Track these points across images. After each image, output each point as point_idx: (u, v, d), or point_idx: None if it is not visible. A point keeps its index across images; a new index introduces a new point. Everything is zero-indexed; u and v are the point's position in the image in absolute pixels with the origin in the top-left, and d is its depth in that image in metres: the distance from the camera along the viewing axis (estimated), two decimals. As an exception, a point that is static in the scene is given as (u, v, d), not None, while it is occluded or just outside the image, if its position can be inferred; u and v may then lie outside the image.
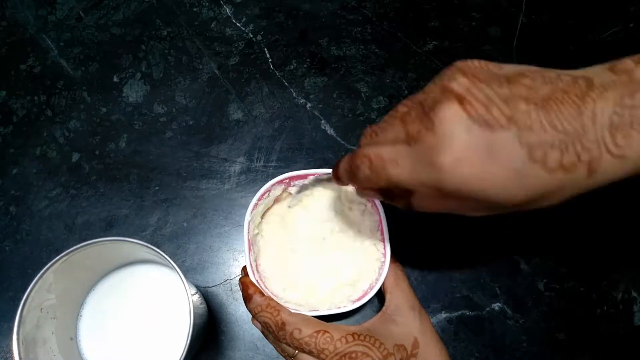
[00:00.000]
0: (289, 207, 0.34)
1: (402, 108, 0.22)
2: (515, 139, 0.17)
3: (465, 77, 0.19)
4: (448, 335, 0.36)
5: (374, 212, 0.32)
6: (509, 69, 0.20)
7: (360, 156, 0.23)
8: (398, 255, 0.39)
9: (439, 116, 0.19)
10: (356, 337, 0.27)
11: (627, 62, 0.18)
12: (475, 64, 0.20)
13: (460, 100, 0.18)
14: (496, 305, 0.37)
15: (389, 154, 0.21)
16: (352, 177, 0.24)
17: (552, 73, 0.19)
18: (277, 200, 0.34)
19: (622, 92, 0.17)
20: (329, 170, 0.32)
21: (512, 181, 0.18)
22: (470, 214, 0.21)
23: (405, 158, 0.20)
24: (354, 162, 0.23)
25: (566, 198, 0.19)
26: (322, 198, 0.34)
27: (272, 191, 0.33)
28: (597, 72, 0.18)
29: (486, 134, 0.18)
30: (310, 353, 0.27)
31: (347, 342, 0.26)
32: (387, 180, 0.21)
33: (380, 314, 0.29)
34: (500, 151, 0.18)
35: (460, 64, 0.20)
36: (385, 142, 0.22)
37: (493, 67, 0.20)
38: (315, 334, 0.27)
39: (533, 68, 0.19)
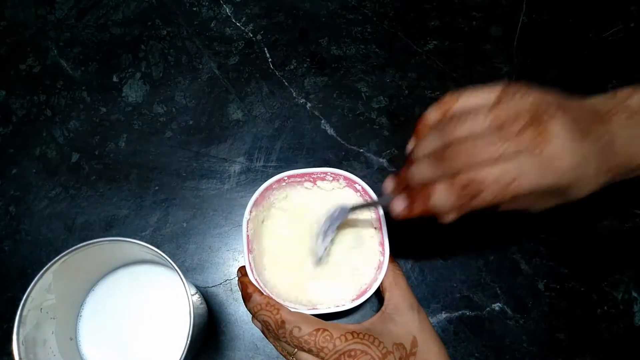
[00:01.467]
0: (288, 208, 0.34)
1: (484, 128, 0.23)
2: (593, 149, 0.22)
3: (543, 98, 0.23)
4: (448, 335, 0.36)
5: (373, 212, 0.32)
6: (552, 98, 0.24)
7: (474, 184, 0.23)
8: (398, 255, 0.39)
9: (553, 123, 0.22)
10: (355, 335, 0.27)
11: (623, 92, 0.24)
12: (535, 91, 0.24)
13: (560, 107, 0.22)
14: (496, 306, 0.37)
15: (507, 171, 0.22)
16: (463, 204, 0.24)
17: (574, 103, 0.24)
18: (277, 200, 0.34)
19: (623, 116, 0.23)
20: (326, 169, 0.32)
21: (589, 180, 0.23)
22: (540, 207, 0.24)
23: (528, 170, 0.22)
24: (467, 191, 0.23)
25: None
26: (320, 198, 0.34)
27: (273, 191, 0.33)
28: (602, 101, 0.24)
29: (580, 143, 0.22)
30: (309, 351, 0.27)
31: (346, 340, 0.26)
32: (513, 195, 0.22)
33: (379, 313, 0.29)
34: (588, 159, 0.22)
35: (521, 88, 0.24)
36: (490, 160, 0.22)
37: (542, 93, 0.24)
38: (314, 332, 0.27)
39: (559, 99, 0.24)
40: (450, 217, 0.25)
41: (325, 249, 0.31)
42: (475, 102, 0.25)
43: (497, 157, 0.22)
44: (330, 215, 0.31)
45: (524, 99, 0.23)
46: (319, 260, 0.32)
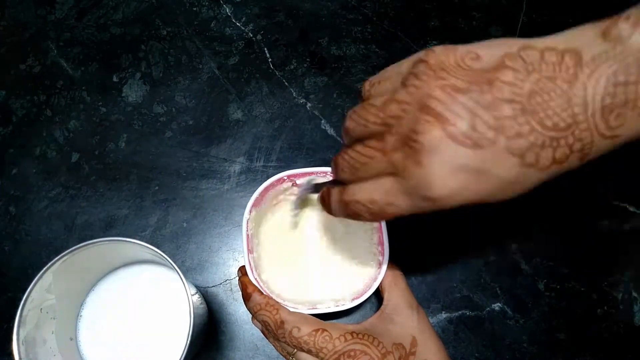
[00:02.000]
0: (289, 207, 0.34)
1: (375, 129, 0.20)
2: (505, 150, 0.17)
3: (442, 89, 0.18)
4: (448, 335, 0.36)
5: None
6: (488, 58, 0.18)
7: (352, 203, 0.22)
8: (397, 255, 0.39)
9: (425, 146, 0.17)
10: (355, 335, 0.27)
11: (623, 26, 0.16)
12: (450, 59, 0.18)
13: (442, 121, 0.17)
14: (496, 306, 0.37)
15: (382, 197, 0.20)
16: (351, 218, 0.23)
17: (535, 53, 0.17)
18: (277, 199, 0.34)
19: (615, 67, 0.16)
20: (326, 169, 0.32)
21: (507, 187, 0.18)
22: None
23: (399, 195, 0.19)
24: (348, 208, 0.22)
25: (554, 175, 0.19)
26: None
27: (273, 191, 0.33)
28: (588, 42, 0.17)
29: (476, 154, 0.17)
30: (309, 352, 0.27)
31: (345, 340, 0.26)
32: (388, 217, 0.21)
33: (378, 313, 0.29)
34: (493, 167, 0.17)
35: (432, 60, 0.19)
36: (369, 178, 0.21)
37: (470, 61, 0.18)
38: (313, 333, 0.27)
39: (513, 50, 0.18)
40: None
41: (295, 215, 0.32)
42: (389, 85, 0.21)
43: (374, 175, 0.20)
44: (299, 190, 0.32)
45: (417, 89, 0.18)
46: (294, 225, 0.33)
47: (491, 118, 0.17)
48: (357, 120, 0.21)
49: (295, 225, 0.33)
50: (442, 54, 0.19)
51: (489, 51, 0.18)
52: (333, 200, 0.23)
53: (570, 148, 0.17)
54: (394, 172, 0.19)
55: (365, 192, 0.21)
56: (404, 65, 0.21)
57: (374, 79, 0.22)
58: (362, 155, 0.21)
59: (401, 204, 0.20)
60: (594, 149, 0.17)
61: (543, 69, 0.17)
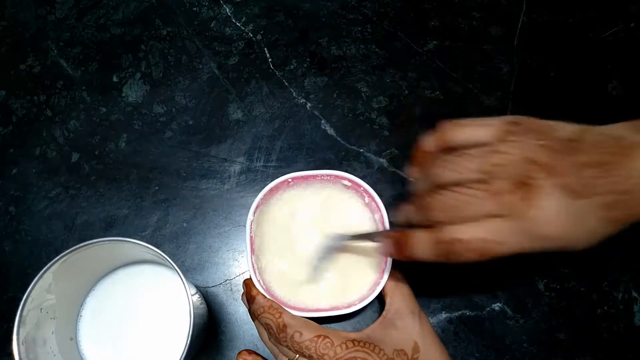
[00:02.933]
0: (290, 210, 0.34)
1: (471, 176, 0.23)
2: (592, 206, 0.20)
3: (541, 147, 0.21)
4: (448, 336, 0.36)
5: (376, 214, 0.32)
6: (563, 133, 0.22)
7: (455, 243, 0.22)
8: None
9: (538, 191, 0.21)
10: (356, 343, 0.27)
11: None
12: (541, 126, 0.22)
13: (553, 173, 0.21)
14: (496, 306, 0.37)
15: (493, 236, 0.22)
16: (442, 259, 0.23)
17: (594, 135, 0.21)
18: (280, 202, 0.34)
19: None
20: (326, 172, 0.32)
21: (589, 236, 0.21)
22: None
23: (511, 235, 0.22)
24: (448, 248, 0.23)
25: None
26: (322, 201, 0.34)
27: (277, 193, 0.33)
28: (625, 132, 0.21)
29: (574, 203, 0.21)
30: (310, 357, 0.27)
31: (347, 348, 0.26)
32: (493, 256, 0.22)
33: (380, 319, 0.29)
34: (584, 217, 0.21)
35: (524, 122, 0.22)
36: (470, 217, 0.22)
37: (549, 129, 0.22)
38: (315, 339, 0.27)
39: (582, 132, 0.22)
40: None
41: (318, 270, 0.32)
42: (472, 136, 0.24)
43: (481, 215, 0.22)
44: (326, 245, 0.31)
45: (521, 147, 0.22)
46: (313, 280, 0.32)
47: (581, 177, 0.21)
48: (450, 166, 0.24)
49: (312, 279, 0.32)
50: (529, 120, 0.23)
51: (562, 128, 0.22)
52: (418, 242, 0.24)
53: (631, 210, 0.20)
54: (504, 214, 0.22)
55: (473, 232, 0.22)
56: (488, 120, 0.24)
57: (453, 124, 0.25)
58: (463, 193, 0.23)
59: (512, 243, 0.22)
60: None
61: (603, 147, 0.21)
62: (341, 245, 0.31)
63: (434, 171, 0.24)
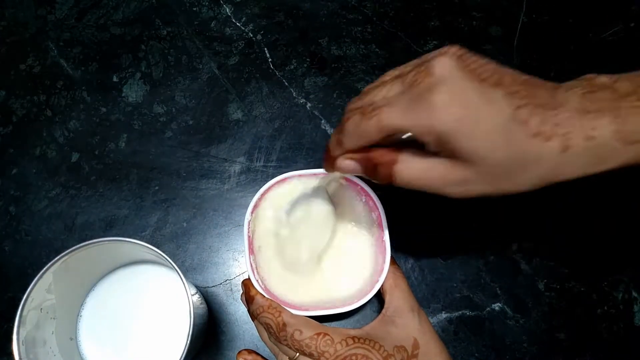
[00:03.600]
0: (288, 207, 0.34)
1: (393, 72, 0.24)
2: (503, 99, 0.19)
3: (462, 49, 0.21)
4: (448, 336, 0.36)
5: (374, 212, 0.32)
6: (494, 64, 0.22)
7: (350, 109, 0.23)
8: (398, 255, 0.39)
9: (439, 64, 0.20)
10: (356, 340, 0.27)
11: (589, 75, 0.21)
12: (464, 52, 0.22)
13: (460, 57, 0.21)
14: (496, 306, 0.37)
15: (382, 100, 0.22)
16: (341, 136, 0.24)
17: (524, 76, 0.21)
18: (278, 200, 0.34)
19: (584, 89, 0.20)
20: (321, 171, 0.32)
21: (497, 135, 0.19)
22: (451, 186, 0.22)
23: (399, 100, 0.21)
24: (345, 118, 0.23)
25: (540, 177, 0.20)
26: (321, 199, 0.34)
27: (275, 192, 0.33)
28: (568, 84, 0.21)
29: (479, 87, 0.19)
30: (310, 355, 0.27)
31: (347, 345, 0.26)
32: (378, 127, 0.21)
33: (380, 316, 0.29)
34: (490, 104, 0.19)
35: (451, 48, 0.22)
36: (377, 95, 0.23)
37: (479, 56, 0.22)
38: (315, 336, 0.27)
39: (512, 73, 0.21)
40: (344, 164, 0.25)
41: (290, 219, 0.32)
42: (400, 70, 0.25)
43: (386, 91, 0.22)
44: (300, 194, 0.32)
45: (437, 50, 0.22)
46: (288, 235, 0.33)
47: (496, 75, 0.20)
48: (369, 87, 0.25)
49: (287, 225, 0.33)
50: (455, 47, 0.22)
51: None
52: (350, 119, 0.23)
53: (554, 127, 0.19)
54: (403, 90, 0.21)
55: (366, 99, 0.23)
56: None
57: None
58: (375, 84, 0.24)
59: (397, 107, 0.21)
60: (574, 145, 0.19)
61: (532, 80, 0.21)
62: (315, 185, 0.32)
63: (359, 97, 0.25)
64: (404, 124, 0.21)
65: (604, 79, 0.20)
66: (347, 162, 0.25)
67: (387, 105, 0.21)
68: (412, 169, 0.22)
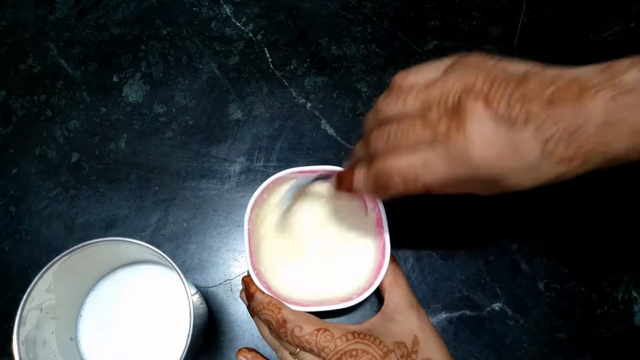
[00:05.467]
0: (288, 205, 0.34)
1: (414, 109, 0.23)
2: (532, 137, 0.20)
3: (483, 80, 0.21)
4: (448, 336, 0.36)
5: (374, 210, 0.32)
6: (515, 68, 0.21)
7: (386, 173, 0.23)
8: (398, 254, 0.39)
9: (469, 116, 0.20)
10: (356, 335, 0.27)
11: (621, 64, 0.20)
12: (488, 61, 0.22)
13: (486, 99, 0.20)
14: (496, 306, 0.37)
15: (420, 162, 0.22)
16: (379, 191, 0.24)
17: (551, 73, 0.20)
18: (278, 198, 0.34)
19: (612, 91, 0.19)
20: (325, 168, 0.32)
21: (528, 172, 0.20)
22: (483, 193, 0.23)
23: (438, 161, 0.21)
24: (380, 179, 0.23)
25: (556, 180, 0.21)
26: (320, 196, 0.34)
27: (274, 190, 0.33)
28: (592, 74, 0.20)
29: (509, 132, 0.20)
30: (310, 351, 0.27)
31: (347, 340, 0.27)
32: (425, 189, 0.22)
33: (379, 313, 0.29)
34: (521, 147, 0.20)
35: (473, 59, 0.22)
36: (406, 147, 0.22)
37: (502, 65, 0.21)
38: (315, 332, 0.27)
39: (536, 68, 0.21)
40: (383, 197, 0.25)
41: (286, 209, 0.33)
42: (421, 77, 0.24)
43: (414, 145, 0.22)
44: (294, 185, 0.32)
45: (461, 78, 0.21)
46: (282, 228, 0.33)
47: (523, 108, 0.20)
48: (395, 100, 0.23)
49: (285, 222, 0.33)
50: (478, 57, 0.22)
51: (517, 65, 0.21)
52: (358, 176, 0.25)
53: (578, 149, 0.19)
54: (434, 140, 0.21)
55: (405, 160, 0.22)
56: (438, 62, 0.23)
57: (405, 72, 0.25)
58: (401, 125, 0.22)
59: (441, 169, 0.21)
60: (594, 158, 0.20)
61: (559, 85, 0.20)
62: (307, 184, 0.32)
63: (380, 107, 0.25)
64: (446, 183, 0.22)
65: (636, 74, 0.19)
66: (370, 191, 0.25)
67: (427, 170, 0.21)
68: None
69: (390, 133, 0.23)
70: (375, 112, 0.25)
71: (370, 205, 0.33)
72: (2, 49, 0.46)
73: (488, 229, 0.39)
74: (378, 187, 0.24)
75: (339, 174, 0.27)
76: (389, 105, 0.24)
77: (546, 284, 0.37)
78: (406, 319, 0.28)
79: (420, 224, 0.39)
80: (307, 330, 0.27)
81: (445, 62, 0.23)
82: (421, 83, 0.23)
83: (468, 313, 0.37)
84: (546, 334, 0.36)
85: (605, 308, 0.37)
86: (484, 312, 0.37)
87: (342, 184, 0.27)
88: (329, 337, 0.26)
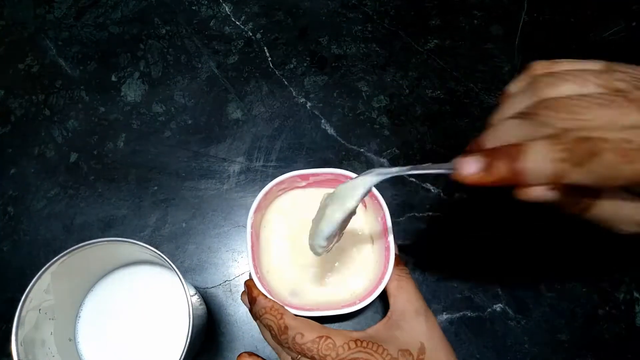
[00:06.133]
0: (290, 209, 0.34)
1: (620, 83, 0.19)
2: None
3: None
4: (449, 337, 0.36)
5: (378, 213, 0.32)
6: None
7: (589, 138, 0.18)
8: (400, 256, 0.39)
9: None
10: (359, 343, 0.26)
11: None
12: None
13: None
14: (498, 306, 0.37)
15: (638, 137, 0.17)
16: (567, 169, 0.18)
17: None
18: (280, 201, 0.34)
19: None
20: (331, 170, 0.32)
21: None
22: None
23: None
24: (579, 145, 0.18)
25: None
26: (323, 200, 0.34)
27: (277, 192, 0.32)
28: None
29: None
30: (312, 359, 0.26)
31: (349, 348, 0.26)
32: (633, 173, 0.18)
33: (384, 319, 0.28)
34: None
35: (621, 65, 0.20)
36: (611, 126, 0.18)
37: None
38: (317, 340, 0.26)
39: None
40: (536, 192, 0.20)
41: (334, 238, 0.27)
42: (572, 68, 0.20)
43: (621, 122, 0.18)
44: (363, 183, 0.24)
45: (633, 75, 0.19)
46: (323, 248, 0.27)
47: None
48: (567, 78, 0.20)
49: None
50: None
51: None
52: (535, 148, 0.19)
53: None
54: None
55: (614, 134, 0.18)
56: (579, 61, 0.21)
57: (548, 62, 0.21)
58: (599, 100, 0.18)
59: None
60: None
61: None
62: (392, 176, 0.23)
63: (541, 85, 0.20)
64: None
65: None
66: (551, 194, 0.20)
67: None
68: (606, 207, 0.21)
69: (582, 103, 0.18)
70: (531, 93, 0.20)
71: (375, 208, 0.32)
72: (0, 48, 0.46)
73: (489, 229, 0.39)
74: (573, 159, 0.18)
75: (495, 152, 0.20)
76: (552, 84, 0.19)
77: (547, 284, 0.37)
78: (412, 326, 0.27)
79: (421, 223, 0.39)
80: (308, 338, 0.26)
81: (595, 62, 0.20)
82: (579, 70, 0.20)
83: (469, 314, 0.37)
84: (548, 335, 0.36)
85: (607, 309, 0.37)
86: (485, 313, 0.37)
87: (496, 167, 0.20)
88: (330, 345, 0.26)
